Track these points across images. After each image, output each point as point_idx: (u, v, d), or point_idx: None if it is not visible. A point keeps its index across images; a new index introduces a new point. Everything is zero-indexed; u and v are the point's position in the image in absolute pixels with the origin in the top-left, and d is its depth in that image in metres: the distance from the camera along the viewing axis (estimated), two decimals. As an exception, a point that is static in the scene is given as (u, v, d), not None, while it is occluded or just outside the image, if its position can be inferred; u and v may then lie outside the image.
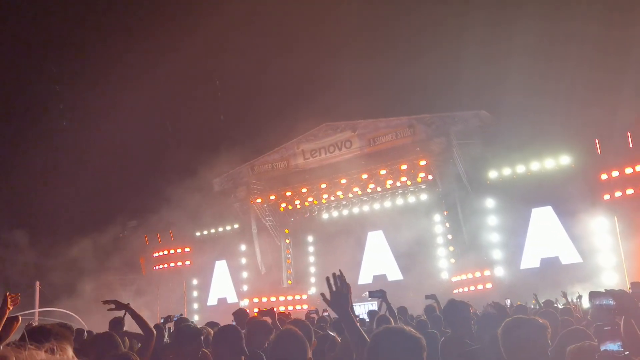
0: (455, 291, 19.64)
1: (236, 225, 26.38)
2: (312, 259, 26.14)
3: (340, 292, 3.19)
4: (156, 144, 29.81)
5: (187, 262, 27.83)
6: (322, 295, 3.27)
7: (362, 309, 18.30)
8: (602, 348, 2.98)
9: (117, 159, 26.71)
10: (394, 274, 23.35)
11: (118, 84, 28.59)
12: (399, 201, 23.79)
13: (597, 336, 3.04)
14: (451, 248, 21.96)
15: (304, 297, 24.57)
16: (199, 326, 7.99)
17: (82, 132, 28.67)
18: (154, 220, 28.36)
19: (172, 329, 7.89)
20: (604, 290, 3.23)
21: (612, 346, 2.97)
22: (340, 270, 3.25)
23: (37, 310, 19.32)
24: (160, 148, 29.97)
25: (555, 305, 10.47)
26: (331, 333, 5.03)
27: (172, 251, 28.23)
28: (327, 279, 3.22)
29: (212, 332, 5.98)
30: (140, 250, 28.63)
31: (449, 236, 22.07)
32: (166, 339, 6.75)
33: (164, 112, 28.70)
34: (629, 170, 17.73)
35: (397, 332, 2.53)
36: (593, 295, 3.24)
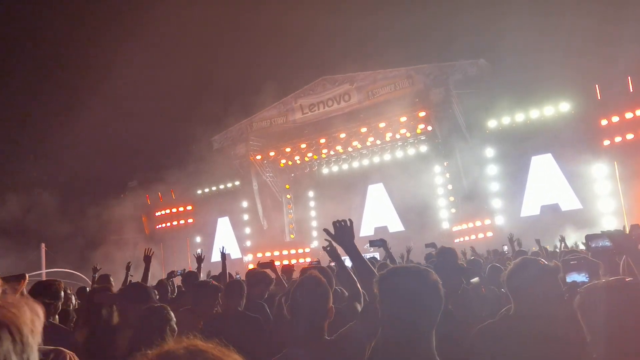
0: (457, 240, 19.85)
1: (237, 183, 26.48)
2: (313, 213, 26.32)
3: (344, 226, 3.37)
4: (154, 104, 29.58)
5: (190, 220, 28.08)
6: (326, 230, 3.35)
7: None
8: (568, 279, 3.05)
9: (115, 119, 26.53)
10: (395, 225, 23.57)
11: (115, 41, 28.22)
12: (399, 153, 23.82)
13: (564, 269, 3.10)
14: (451, 198, 22.10)
15: (307, 250, 24.84)
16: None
17: (81, 91, 28.42)
18: (155, 179, 28.47)
19: (176, 283, 8.06)
20: (600, 232, 3.27)
21: (578, 277, 3.04)
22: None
23: (43, 271, 19.58)
24: (158, 108, 29.75)
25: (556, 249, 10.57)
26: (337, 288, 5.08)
27: (174, 210, 28.45)
28: (333, 223, 3.30)
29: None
30: (142, 210, 28.81)
31: (449, 186, 22.18)
32: (170, 294, 6.88)
33: (162, 70, 28.36)
34: (629, 115, 17.67)
35: (410, 268, 2.54)
36: (590, 237, 3.29)
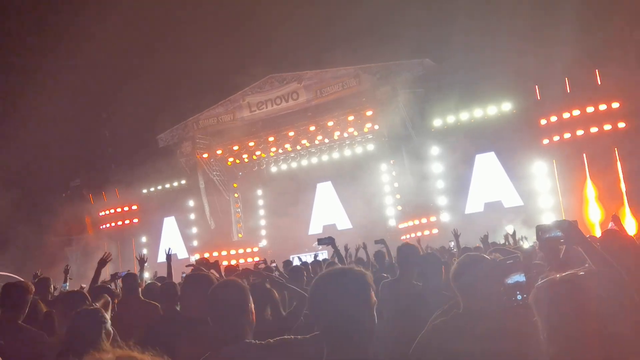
0: (403, 237, 20.14)
1: (183, 181, 26.07)
2: (261, 212, 26.20)
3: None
4: (98, 100, 28.79)
5: (135, 220, 27.46)
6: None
7: (312, 258, 18.56)
8: (508, 281, 3.13)
9: (58, 116, 25.68)
10: (344, 223, 23.73)
11: (54, 34, 27.30)
12: (347, 152, 24.00)
13: (501, 270, 3.19)
14: (398, 196, 22.42)
15: (255, 249, 24.71)
16: (148, 282, 8.02)
17: (19, 87, 27.37)
18: (99, 178, 27.74)
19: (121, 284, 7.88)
20: (550, 224, 3.37)
21: (518, 277, 3.13)
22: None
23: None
24: (102, 104, 28.97)
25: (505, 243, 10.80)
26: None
27: (118, 209, 27.75)
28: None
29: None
30: (86, 210, 28.02)
31: (396, 184, 22.49)
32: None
33: (107, 66, 27.62)
34: (566, 115, 18.31)
35: (341, 270, 2.35)
36: (541, 228, 3.38)
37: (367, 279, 2.25)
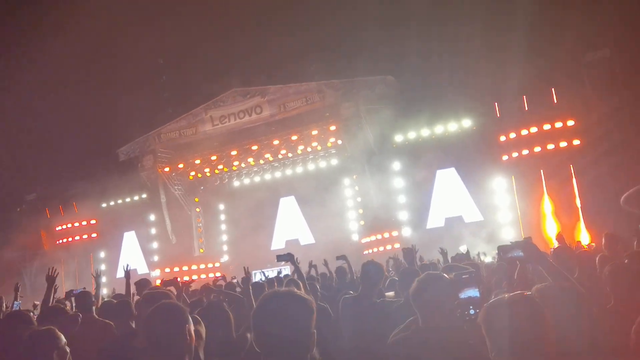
0: (365, 252, 20.24)
1: (144, 195, 25.66)
2: (223, 227, 25.97)
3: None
4: (57, 111, 28.17)
5: (94, 235, 26.88)
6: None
7: (274, 274, 18.46)
8: (462, 296, 3.19)
9: (13, 127, 25.05)
10: (306, 238, 23.70)
11: (18, 46, 26.66)
12: (310, 166, 24.06)
13: (456, 285, 3.26)
14: (360, 210, 22.54)
15: (217, 264, 24.43)
16: (105, 299, 7.85)
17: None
18: (55, 192, 27.07)
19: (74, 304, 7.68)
20: (510, 243, 3.47)
21: (471, 292, 3.20)
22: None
23: None
24: (62, 116, 28.35)
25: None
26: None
27: (76, 224, 27.11)
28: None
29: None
30: (41, 224, 27.30)
31: (358, 199, 22.63)
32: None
33: (65, 76, 27.07)
34: (524, 132, 18.78)
35: (284, 294, 2.37)
36: (503, 248, 3.47)
37: (310, 304, 2.31)
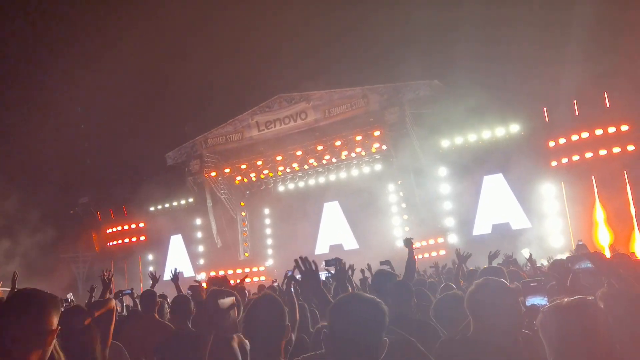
0: (410, 259, 20.00)
1: (190, 199, 26.11)
2: (268, 231, 26.15)
3: (309, 273, 3.36)
4: (108, 119, 29.01)
5: (142, 238, 27.49)
6: (291, 277, 3.41)
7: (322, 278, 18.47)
8: (528, 303, 3.10)
9: (68, 134, 25.92)
10: (350, 243, 23.62)
11: (67, 57, 27.61)
12: (354, 172, 23.99)
13: (524, 292, 3.17)
14: (405, 217, 22.33)
15: (261, 269, 24.62)
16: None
17: (32, 106, 27.65)
18: (106, 196, 27.84)
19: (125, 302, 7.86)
20: (580, 255, 3.38)
21: (539, 300, 3.10)
22: (305, 257, 3.37)
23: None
24: (112, 123, 29.17)
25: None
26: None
27: (125, 227, 27.81)
28: (296, 261, 3.37)
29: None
30: (93, 227, 28.10)
31: (403, 205, 22.41)
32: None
33: (118, 86, 27.89)
34: (574, 137, 18.27)
35: (357, 297, 2.48)
36: (571, 259, 3.39)
37: (383, 309, 2.38)
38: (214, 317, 2.78)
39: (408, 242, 7.33)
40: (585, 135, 18.07)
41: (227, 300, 2.92)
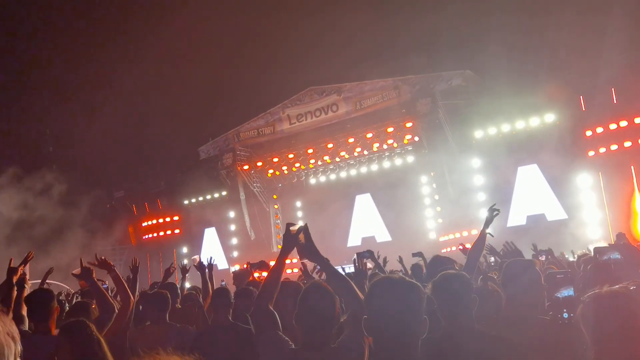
0: (443, 250, 19.80)
1: (224, 193, 26.38)
2: (301, 223, 26.16)
3: (304, 244, 3.48)
4: (143, 114, 29.48)
5: (177, 231, 27.91)
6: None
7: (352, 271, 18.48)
8: (557, 295, 3.09)
9: (103, 129, 26.42)
10: (383, 235, 23.56)
11: (103, 57, 28.13)
12: (386, 164, 23.86)
13: (550, 284, 3.16)
14: (438, 208, 22.15)
15: (294, 261, 24.61)
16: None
17: (68, 103, 28.28)
18: (142, 190, 28.31)
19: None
20: (607, 245, 3.34)
21: (566, 292, 3.09)
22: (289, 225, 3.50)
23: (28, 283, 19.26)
24: (145, 118, 29.64)
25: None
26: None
27: (160, 220, 28.27)
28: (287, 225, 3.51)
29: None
30: (129, 220, 28.62)
31: (436, 197, 22.23)
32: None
33: (151, 82, 28.33)
34: (613, 126, 17.82)
35: (395, 280, 2.54)
36: (599, 250, 3.36)
37: (422, 291, 2.45)
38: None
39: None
40: (623, 124, 17.61)
41: (296, 227, 3.30)
